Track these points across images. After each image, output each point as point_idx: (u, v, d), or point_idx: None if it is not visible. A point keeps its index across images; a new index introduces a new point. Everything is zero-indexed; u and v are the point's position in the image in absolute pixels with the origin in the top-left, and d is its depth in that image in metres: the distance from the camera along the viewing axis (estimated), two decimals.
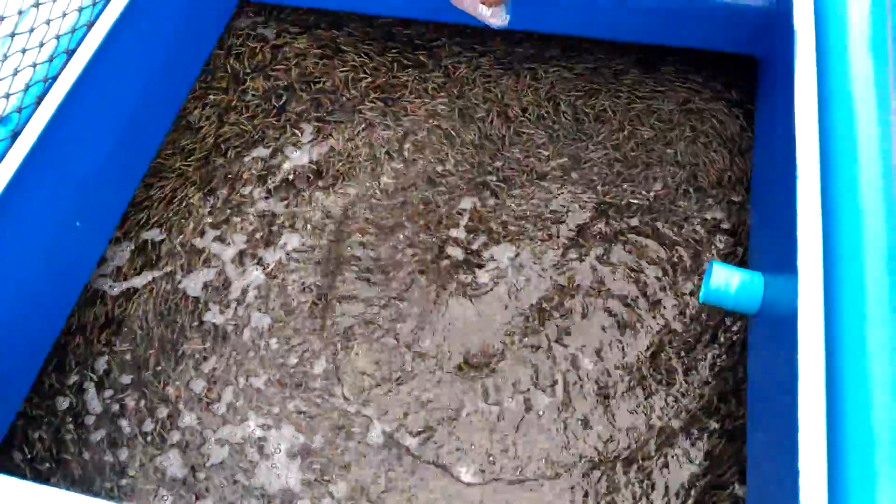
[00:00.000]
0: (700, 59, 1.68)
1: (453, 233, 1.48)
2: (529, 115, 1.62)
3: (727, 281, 1.22)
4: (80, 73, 1.28)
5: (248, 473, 1.25)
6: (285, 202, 1.53)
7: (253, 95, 1.70)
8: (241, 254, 1.47)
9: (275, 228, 1.50)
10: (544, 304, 1.39)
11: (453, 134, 1.60)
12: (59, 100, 1.24)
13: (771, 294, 1.18)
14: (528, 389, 1.31)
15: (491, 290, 1.41)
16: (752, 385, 1.25)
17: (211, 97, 1.70)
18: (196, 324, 1.40)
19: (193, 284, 1.45)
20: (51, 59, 1.28)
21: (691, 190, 1.51)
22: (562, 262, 1.44)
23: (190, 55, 1.72)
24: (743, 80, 1.65)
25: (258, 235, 1.49)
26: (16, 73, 1.24)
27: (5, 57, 1.23)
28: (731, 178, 1.52)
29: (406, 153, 1.59)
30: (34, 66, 1.25)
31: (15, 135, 1.21)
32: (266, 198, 1.54)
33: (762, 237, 1.33)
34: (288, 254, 1.47)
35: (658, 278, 1.41)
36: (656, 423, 1.28)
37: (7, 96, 1.21)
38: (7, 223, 1.19)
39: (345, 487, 1.23)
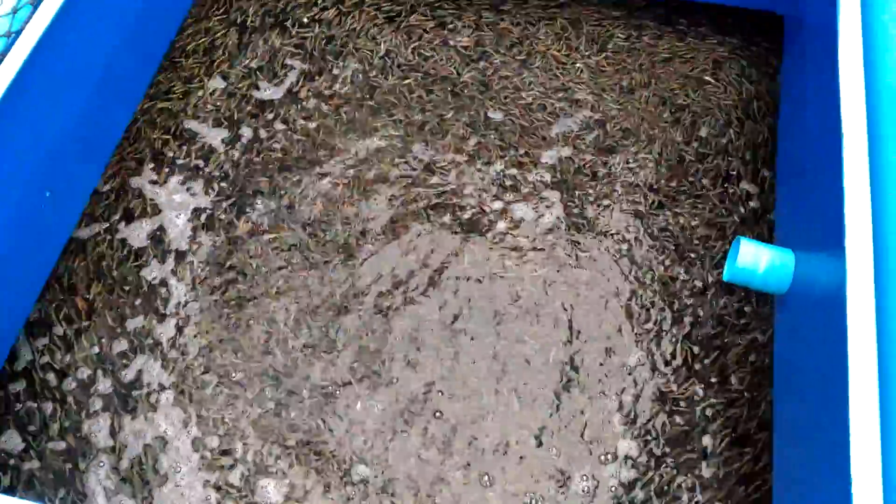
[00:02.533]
0: (720, 17, 1.57)
1: None
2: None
3: (755, 259, 1.13)
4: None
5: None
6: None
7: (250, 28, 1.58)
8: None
9: None
10: None
11: None
12: (22, 57, 1.12)
13: (804, 273, 1.09)
14: None
15: None
16: (781, 373, 1.15)
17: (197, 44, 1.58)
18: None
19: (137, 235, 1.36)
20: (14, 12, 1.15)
21: (707, 156, 1.41)
22: None
23: None
24: (766, 39, 1.54)
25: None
26: None
27: None
28: (751, 145, 1.42)
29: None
30: None
31: None
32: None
33: (792, 211, 1.23)
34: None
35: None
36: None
37: None
38: None
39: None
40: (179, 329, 1.27)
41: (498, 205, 1.38)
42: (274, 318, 1.27)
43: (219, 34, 1.59)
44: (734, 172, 1.40)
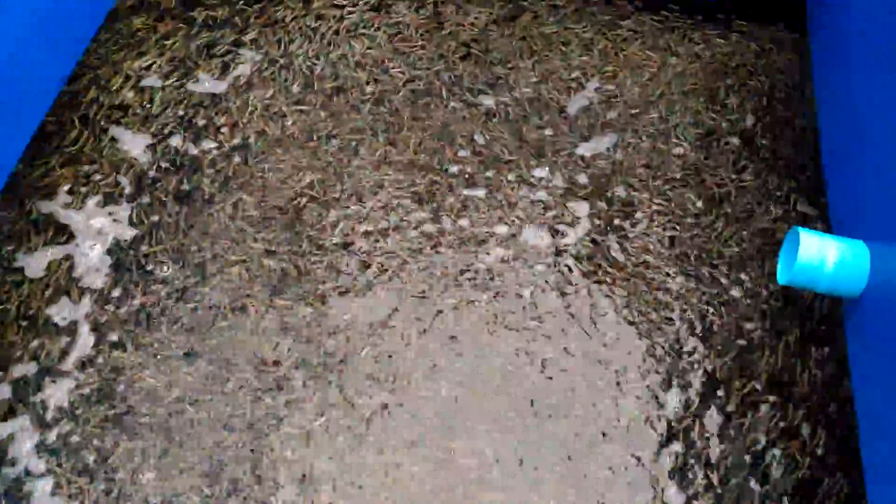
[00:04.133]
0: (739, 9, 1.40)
1: None
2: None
3: (821, 252, 0.90)
4: None
5: None
6: None
7: None
8: None
9: None
10: None
11: None
12: None
13: (883, 270, 0.86)
14: None
15: None
16: (861, 390, 0.92)
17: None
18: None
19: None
20: None
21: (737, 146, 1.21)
22: None
23: None
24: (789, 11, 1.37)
25: None
26: None
27: None
28: (788, 134, 1.22)
29: None
30: None
31: None
32: None
33: (854, 195, 1.00)
34: None
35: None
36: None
37: None
38: None
39: None
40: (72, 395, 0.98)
41: None
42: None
43: (148, 25, 1.36)
44: (778, 165, 1.19)
